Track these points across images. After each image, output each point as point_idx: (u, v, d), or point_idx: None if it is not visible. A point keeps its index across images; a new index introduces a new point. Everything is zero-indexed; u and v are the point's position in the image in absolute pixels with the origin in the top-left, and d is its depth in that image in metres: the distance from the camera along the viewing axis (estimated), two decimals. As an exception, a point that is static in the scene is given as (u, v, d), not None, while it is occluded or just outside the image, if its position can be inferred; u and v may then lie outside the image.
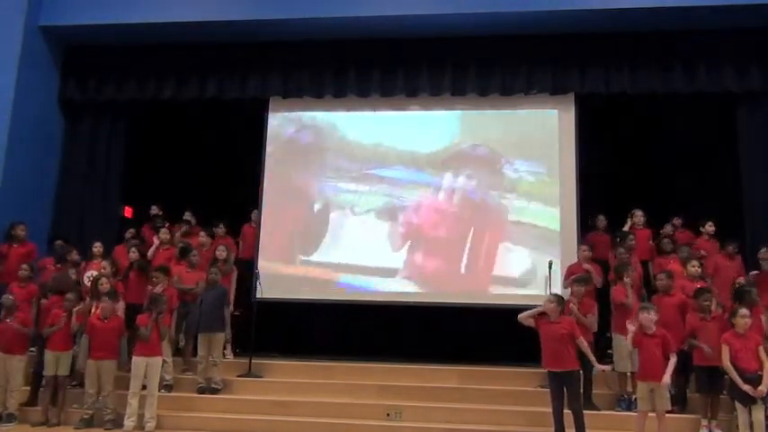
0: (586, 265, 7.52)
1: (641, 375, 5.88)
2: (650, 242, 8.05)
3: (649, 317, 5.91)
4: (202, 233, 8.49)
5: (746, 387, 5.73)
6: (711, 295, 6.46)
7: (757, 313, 6.30)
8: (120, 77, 9.30)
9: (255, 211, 8.98)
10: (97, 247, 8.12)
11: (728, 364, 5.88)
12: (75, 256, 7.98)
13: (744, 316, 5.95)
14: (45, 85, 9.18)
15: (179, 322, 7.61)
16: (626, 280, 6.93)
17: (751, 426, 5.72)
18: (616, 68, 8.48)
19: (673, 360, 5.80)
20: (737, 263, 7.51)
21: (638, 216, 8.15)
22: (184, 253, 7.99)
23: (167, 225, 8.58)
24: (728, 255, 7.55)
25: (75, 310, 6.98)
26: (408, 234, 8.73)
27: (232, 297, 8.02)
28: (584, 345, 6.06)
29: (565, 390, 5.93)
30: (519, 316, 6.10)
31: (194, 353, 7.49)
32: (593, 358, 6.07)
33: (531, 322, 6.06)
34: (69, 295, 7.04)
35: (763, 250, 7.29)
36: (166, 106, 9.45)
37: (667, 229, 8.21)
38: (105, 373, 6.68)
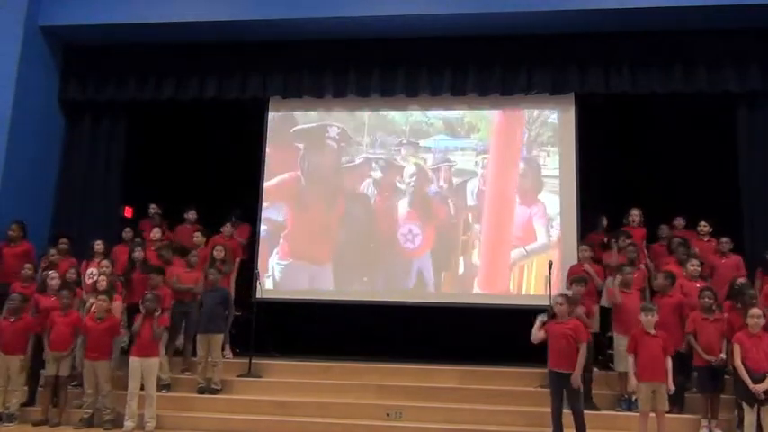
0: (586, 266, 7.52)
1: (643, 376, 5.85)
2: (644, 241, 8.04)
3: (648, 318, 5.92)
4: (197, 233, 8.44)
5: (754, 387, 5.71)
6: (713, 293, 6.46)
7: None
8: (120, 77, 9.29)
9: (237, 211, 8.88)
10: (98, 245, 8.08)
11: (739, 363, 5.87)
12: (53, 255, 7.90)
13: (755, 316, 5.94)
14: (45, 85, 9.17)
15: (177, 322, 7.58)
16: (617, 278, 6.96)
17: (760, 427, 5.71)
18: (616, 68, 8.46)
19: (669, 363, 5.82)
20: (733, 261, 7.47)
21: (635, 215, 8.14)
22: (183, 253, 7.97)
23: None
24: (720, 253, 7.54)
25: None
26: (405, 235, 8.73)
27: (233, 296, 8.01)
28: (583, 350, 6.01)
29: (565, 390, 5.93)
30: (532, 339, 6.09)
31: (194, 353, 7.49)
32: (580, 367, 5.95)
33: (541, 335, 6.04)
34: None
35: None
36: (166, 106, 9.44)
37: (663, 230, 8.21)
38: (101, 374, 6.68)
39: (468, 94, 8.77)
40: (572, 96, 8.73)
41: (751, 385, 5.75)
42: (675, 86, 8.36)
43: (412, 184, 8.86)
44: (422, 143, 8.93)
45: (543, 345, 6.10)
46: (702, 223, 7.96)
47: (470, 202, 8.72)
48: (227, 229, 8.50)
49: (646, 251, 7.95)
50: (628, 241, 7.59)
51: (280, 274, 8.86)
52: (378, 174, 8.94)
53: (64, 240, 8.16)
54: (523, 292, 8.35)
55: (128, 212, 9.86)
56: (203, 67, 9.14)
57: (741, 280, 6.81)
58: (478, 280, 8.51)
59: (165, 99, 9.24)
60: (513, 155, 8.78)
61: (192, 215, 8.85)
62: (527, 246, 8.47)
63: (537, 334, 6.07)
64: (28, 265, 7.51)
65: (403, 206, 8.83)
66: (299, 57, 8.97)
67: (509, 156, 8.80)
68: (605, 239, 8.05)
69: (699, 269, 7.05)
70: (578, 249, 7.84)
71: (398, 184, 8.87)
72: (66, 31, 9.14)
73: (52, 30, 9.07)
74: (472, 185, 8.76)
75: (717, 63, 8.33)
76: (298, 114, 9.26)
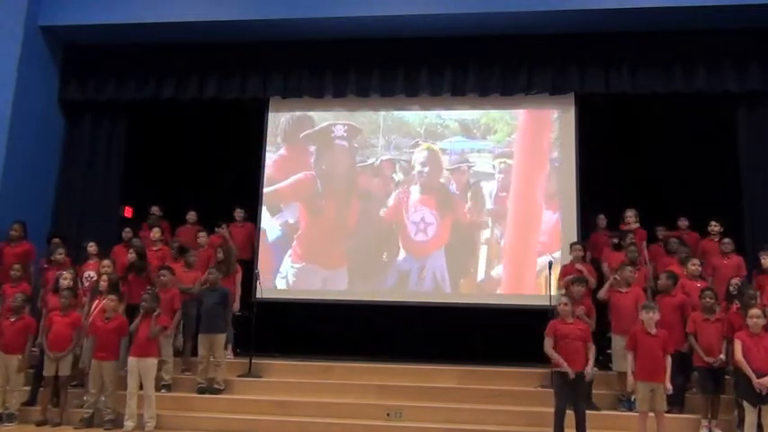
0: (578, 266, 7.51)
1: (642, 375, 5.84)
2: (644, 242, 8.03)
3: (649, 316, 5.91)
4: (202, 233, 8.45)
5: (758, 381, 5.68)
6: (714, 294, 6.46)
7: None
8: (120, 77, 9.30)
9: (239, 210, 8.95)
10: (92, 247, 8.09)
11: (741, 358, 5.84)
12: (60, 255, 7.87)
13: (754, 316, 5.94)
14: (45, 84, 9.18)
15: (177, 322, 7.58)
16: (613, 277, 7.00)
17: (761, 427, 5.69)
18: (616, 68, 8.47)
19: (668, 363, 5.81)
20: (734, 261, 7.47)
21: (630, 216, 8.10)
22: (182, 252, 7.98)
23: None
24: (722, 253, 7.53)
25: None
26: (404, 237, 8.73)
27: (237, 297, 8.00)
28: (593, 350, 6.03)
29: (575, 389, 5.90)
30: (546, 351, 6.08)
31: (194, 353, 7.48)
32: (591, 365, 5.99)
33: (552, 351, 6.01)
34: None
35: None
36: (166, 106, 9.44)
37: (660, 231, 8.19)
38: (108, 374, 6.67)
39: (468, 93, 8.78)
40: (572, 96, 8.74)
41: (755, 380, 5.71)
42: (675, 86, 8.37)
43: (425, 171, 8.80)
44: (438, 145, 8.90)
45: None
46: (713, 223, 7.92)
47: (488, 205, 8.67)
48: (223, 229, 8.49)
49: (646, 252, 7.94)
50: (629, 241, 7.60)
51: (293, 277, 8.83)
52: (394, 174, 8.90)
53: (58, 240, 8.15)
54: (523, 293, 8.34)
55: (128, 212, 9.86)
56: (203, 67, 9.15)
57: (736, 281, 6.80)
58: (502, 287, 8.44)
59: (165, 99, 9.25)
60: (540, 157, 8.72)
61: (191, 216, 8.86)
62: (554, 253, 8.31)
63: (551, 350, 6.03)
64: (16, 266, 7.48)
65: (415, 192, 8.78)
66: (299, 57, 8.98)
67: (534, 158, 8.74)
68: (616, 240, 8.00)
69: (699, 268, 7.06)
70: (571, 249, 7.76)
71: (412, 173, 8.83)
72: (66, 31, 9.14)
73: (52, 30, 9.08)
74: (489, 188, 8.69)
75: (717, 63, 8.34)
76: (311, 114, 9.23)
